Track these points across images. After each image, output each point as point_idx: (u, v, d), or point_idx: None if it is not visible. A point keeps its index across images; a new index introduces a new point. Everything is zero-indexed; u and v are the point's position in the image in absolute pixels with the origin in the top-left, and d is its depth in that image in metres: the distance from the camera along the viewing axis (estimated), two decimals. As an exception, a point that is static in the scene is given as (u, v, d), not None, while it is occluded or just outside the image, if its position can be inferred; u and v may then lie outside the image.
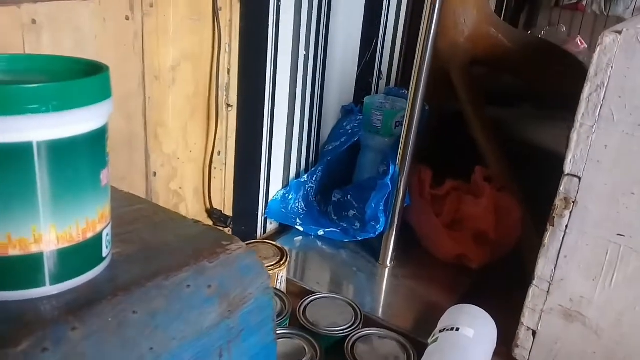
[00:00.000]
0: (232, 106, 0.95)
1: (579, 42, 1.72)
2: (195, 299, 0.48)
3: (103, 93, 0.40)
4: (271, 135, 1.08)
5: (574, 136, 0.70)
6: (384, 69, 1.38)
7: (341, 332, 0.77)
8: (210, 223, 1.00)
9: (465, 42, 1.28)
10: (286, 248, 0.94)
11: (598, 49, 0.65)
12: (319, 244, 1.14)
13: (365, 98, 1.23)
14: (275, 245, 0.94)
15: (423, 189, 1.12)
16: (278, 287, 0.89)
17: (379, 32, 1.32)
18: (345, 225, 1.14)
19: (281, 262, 0.89)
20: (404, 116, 1.11)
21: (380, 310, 0.96)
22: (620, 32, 0.64)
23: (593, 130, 0.69)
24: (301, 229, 1.15)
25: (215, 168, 0.97)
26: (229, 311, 0.50)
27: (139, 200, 0.61)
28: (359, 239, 1.10)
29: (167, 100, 0.84)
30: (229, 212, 1.03)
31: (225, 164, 0.99)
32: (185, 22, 0.82)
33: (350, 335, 0.75)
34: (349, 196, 1.19)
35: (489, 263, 1.04)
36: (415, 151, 1.05)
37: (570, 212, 0.73)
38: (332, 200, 1.21)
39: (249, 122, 1.01)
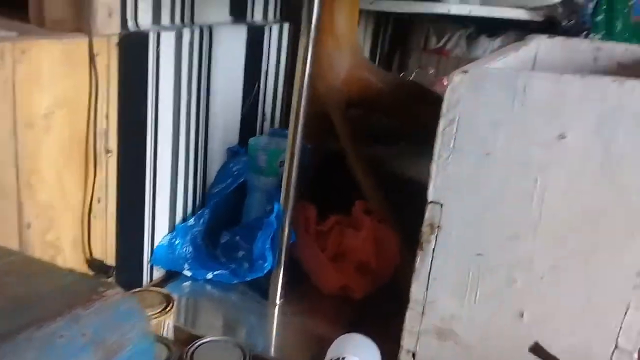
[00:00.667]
0: (111, 152, 0.94)
1: (444, 83, 1.88)
2: (69, 348, 0.47)
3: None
4: (154, 180, 1.07)
5: (433, 167, 0.78)
6: (268, 111, 1.43)
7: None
8: (91, 274, 0.97)
9: (341, 85, 1.36)
10: (173, 294, 0.93)
11: (449, 87, 0.74)
12: (208, 287, 1.13)
13: (250, 139, 1.26)
14: (161, 293, 0.93)
15: (308, 225, 1.16)
16: (165, 335, 0.88)
17: (260, 75, 1.36)
18: (233, 267, 1.14)
19: (167, 310, 0.88)
20: (287, 156, 1.15)
21: (272, 348, 0.97)
22: (466, 72, 0.73)
23: (449, 161, 0.76)
24: (189, 273, 1.14)
25: (95, 216, 0.94)
26: (106, 358, 0.50)
27: (11, 252, 0.59)
28: (248, 279, 1.11)
29: (41, 148, 0.82)
30: (112, 261, 1.01)
31: (107, 212, 0.97)
32: (60, 68, 0.81)
33: (239, 376, 0.76)
34: (237, 237, 1.20)
35: (371, 292, 1.10)
36: (299, 189, 1.09)
37: (436, 237, 0.80)
38: (220, 242, 1.21)
39: (131, 167, 1.00)
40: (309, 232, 1.15)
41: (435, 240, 0.81)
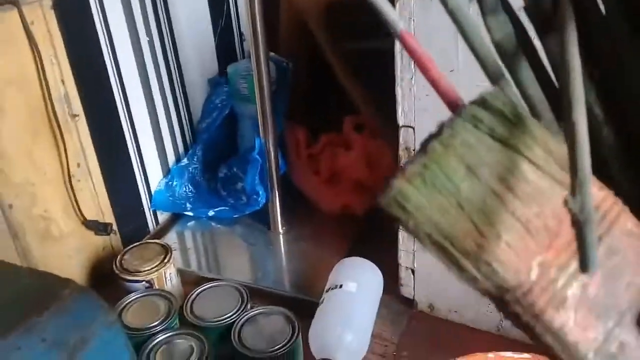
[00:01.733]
0: (78, 115, 0.92)
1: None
2: (29, 358, 0.48)
3: None
4: (134, 130, 1.05)
5: (398, 91, 0.72)
6: (245, 30, 1.35)
7: (227, 320, 0.79)
8: (92, 234, 0.99)
9: (317, -13, 1.26)
10: (169, 244, 0.94)
11: (397, 4, 0.66)
12: (212, 224, 1.14)
13: (228, 68, 1.21)
14: (159, 244, 0.94)
15: (299, 149, 1.13)
16: (168, 285, 0.90)
17: (228, -6, 1.28)
18: (233, 202, 1.14)
19: (165, 261, 0.90)
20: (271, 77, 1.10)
21: (276, 280, 1.00)
22: (414, -15, 0.65)
23: (413, 82, 0.71)
24: (191, 213, 1.15)
25: (79, 180, 0.94)
26: (72, 357, 0.51)
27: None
28: (247, 213, 1.11)
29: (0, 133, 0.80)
30: (109, 218, 1.02)
31: (90, 173, 0.97)
32: (-6, 47, 0.77)
33: (236, 322, 0.78)
34: (234, 169, 1.19)
35: (373, 208, 1.08)
36: (283, 113, 1.05)
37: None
38: (218, 176, 1.21)
39: (103, 124, 0.98)
40: (300, 156, 1.13)
41: (414, 163, 0.77)
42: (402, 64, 0.69)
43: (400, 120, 0.74)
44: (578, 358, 0.19)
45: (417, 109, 0.72)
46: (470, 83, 0.67)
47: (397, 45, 0.69)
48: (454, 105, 0.24)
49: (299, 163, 1.11)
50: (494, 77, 0.24)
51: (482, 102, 0.22)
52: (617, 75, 0.24)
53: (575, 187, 0.19)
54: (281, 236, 1.09)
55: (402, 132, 0.75)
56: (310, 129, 1.21)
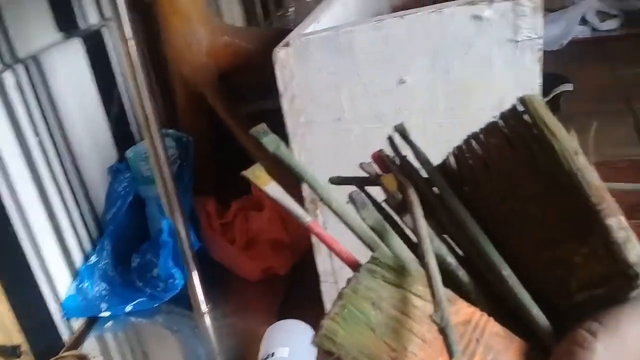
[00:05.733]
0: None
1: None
2: None
3: None
4: (32, 237, 0.98)
5: (294, 146, 0.73)
6: (138, 113, 1.33)
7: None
8: (-1, 359, 0.90)
9: (207, 60, 1.28)
10: (88, 352, 0.88)
11: (277, 65, 0.68)
12: (132, 319, 1.08)
13: (127, 152, 1.18)
14: (74, 355, 0.87)
15: (211, 221, 1.11)
16: (91, 395, 0.83)
17: (115, 80, 1.26)
18: (150, 291, 1.09)
19: (83, 370, 0.83)
20: (172, 155, 1.08)
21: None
22: (289, 45, 0.67)
23: (305, 136, 0.72)
24: (108, 313, 1.08)
25: (-25, 303, 0.86)
26: None
27: None
28: (167, 299, 1.05)
29: None
30: (18, 339, 0.93)
31: (-13, 295, 0.89)
32: None
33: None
34: (148, 255, 1.14)
35: (296, 264, 1.07)
36: (191, 187, 1.03)
37: (321, 210, 0.77)
38: (132, 266, 1.15)
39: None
40: (213, 228, 1.10)
41: (322, 214, 0.77)
42: (292, 121, 0.70)
43: (301, 175, 0.74)
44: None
45: (313, 160, 0.73)
46: (356, 125, 0.69)
47: (285, 105, 0.70)
48: (355, 266, 0.32)
49: (213, 235, 1.09)
50: (371, 246, 0.33)
51: (374, 259, 0.31)
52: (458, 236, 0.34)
53: (435, 305, 0.27)
54: (206, 315, 1.05)
55: (304, 185, 0.75)
56: (221, 199, 1.19)
